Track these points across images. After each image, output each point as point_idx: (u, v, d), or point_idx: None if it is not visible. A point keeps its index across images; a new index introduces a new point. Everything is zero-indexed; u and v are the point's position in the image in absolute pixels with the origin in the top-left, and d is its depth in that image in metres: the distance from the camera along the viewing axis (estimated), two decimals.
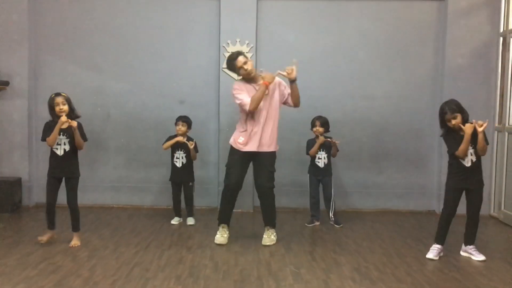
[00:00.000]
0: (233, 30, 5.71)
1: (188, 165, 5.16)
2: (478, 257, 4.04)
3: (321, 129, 5.06)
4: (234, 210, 4.56)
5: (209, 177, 5.93)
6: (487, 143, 3.97)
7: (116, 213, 5.55)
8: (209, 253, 4.11)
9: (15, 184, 5.61)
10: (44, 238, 4.28)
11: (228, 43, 5.72)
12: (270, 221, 4.49)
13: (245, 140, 4.31)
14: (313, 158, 5.14)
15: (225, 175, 4.42)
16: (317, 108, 5.63)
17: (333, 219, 5.12)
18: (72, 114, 4.21)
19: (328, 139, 5.06)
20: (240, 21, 5.73)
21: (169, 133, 5.69)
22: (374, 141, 5.94)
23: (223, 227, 4.47)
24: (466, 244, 4.15)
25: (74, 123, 4.13)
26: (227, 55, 5.38)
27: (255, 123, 4.31)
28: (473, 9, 5.76)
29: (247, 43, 5.73)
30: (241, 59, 4.31)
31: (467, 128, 3.89)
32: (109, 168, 5.94)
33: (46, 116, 5.87)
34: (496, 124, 5.71)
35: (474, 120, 3.94)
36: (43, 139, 4.24)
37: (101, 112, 5.90)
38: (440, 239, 4.11)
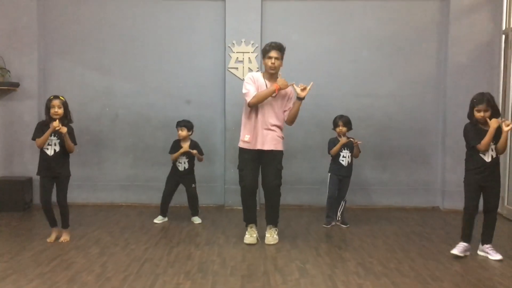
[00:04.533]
0: (238, 30, 5.79)
1: (190, 169, 5.23)
2: (495, 256, 3.98)
3: (344, 129, 5.01)
4: (239, 208, 4.64)
5: (216, 175, 6.03)
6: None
7: (125, 211, 5.65)
8: (217, 250, 4.20)
9: (26, 183, 5.72)
10: (52, 238, 4.41)
11: (233, 43, 5.81)
12: (273, 220, 4.49)
13: (250, 137, 4.35)
14: (336, 156, 5.06)
15: (239, 178, 4.43)
16: (321, 106, 5.71)
17: (340, 219, 5.11)
18: (65, 118, 4.32)
19: (351, 139, 5.01)
20: (245, 22, 5.81)
21: (175, 132, 5.80)
22: (378, 139, 6.01)
23: (251, 227, 4.47)
24: (483, 243, 4.10)
25: (64, 130, 4.22)
26: (233, 55, 5.48)
27: (258, 120, 4.34)
28: (475, 7, 5.81)
29: (252, 43, 5.81)
30: (274, 53, 4.32)
31: (493, 122, 3.85)
32: (117, 167, 6.04)
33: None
34: None
35: (503, 118, 3.90)
36: (33, 139, 4.35)
37: (109, 112, 6.01)
38: (466, 238, 4.03)
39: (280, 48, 4.37)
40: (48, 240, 4.38)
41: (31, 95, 5.83)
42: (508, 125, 3.86)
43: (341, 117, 5.07)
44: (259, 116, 4.35)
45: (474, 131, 3.98)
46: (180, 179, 5.22)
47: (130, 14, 5.98)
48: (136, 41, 5.99)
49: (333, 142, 5.09)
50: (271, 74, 4.39)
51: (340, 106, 5.91)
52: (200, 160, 5.22)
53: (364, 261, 3.95)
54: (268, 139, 4.35)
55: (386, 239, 4.58)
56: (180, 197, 5.68)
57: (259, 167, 4.44)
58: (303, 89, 4.30)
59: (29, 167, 5.83)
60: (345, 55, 5.98)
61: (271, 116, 4.36)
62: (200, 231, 4.84)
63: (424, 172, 6.03)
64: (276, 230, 4.50)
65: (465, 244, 4.04)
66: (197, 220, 5.20)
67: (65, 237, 4.42)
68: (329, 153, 5.10)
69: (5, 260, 3.85)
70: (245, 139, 4.38)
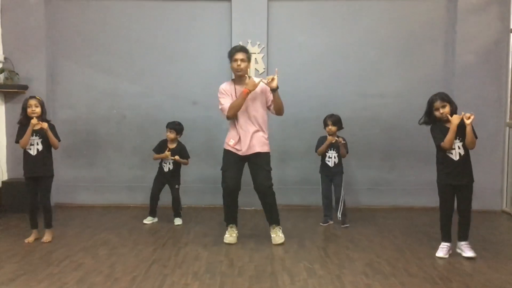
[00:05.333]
0: (244, 31, 5.80)
1: (175, 170, 5.24)
2: (468, 253, 3.99)
3: (333, 128, 5.00)
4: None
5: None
6: (476, 137, 3.92)
7: (133, 212, 5.67)
8: (224, 250, 4.22)
9: None
10: (31, 238, 4.44)
11: (239, 44, 5.80)
12: (274, 219, 4.50)
13: (235, 142, 4.36)
14: (323, 157, 5.12)
15: (221, 179, 4.44)
16: (328, 106, 5.70)
17: (340, 218, 5.08)
18: (42, 116, 4.35)
19: (336, 138, 5.00)
20: (251, 22, 5.82)
21: (182, 133, 5.82)
22: (384, 139, 5.99)
23: (231, 227, 4.52)
24: (459, 240, 4.11)
25: (45, 125, 4.27)
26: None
27: (241, 125, 4.36)
28: (483, 6, 5.77)
29: (258, 44, 5.82)
30: (239, 55, 4.32)
31: (454, 119, 3.89)
32: (125, 169, 6.07)
33: (65, 119, 6.09)
34: (507, 120, 5.74)
35: (462, 113, 3.90)
36: (17, 141, 4.38)
37: (117, 114, 6.04)
38: (446, 237, 4.10)
39: (245, 50, 4.39)
40: (26, 240, 4.41)
41: None
42: (469, 118, 3.86)
43: (330, 116, 5.05)
44: (241, 121, 4.36)
45: (438, 130, 4.02)
46: (165, 179, 5.24)
47: (136, 16, 6.01)
48: (143, 43, 6.02)
49: (321, 141, 5.09)
50: (239, 77, 4.39)
51: (346, 106, 5.92)
52: (184, 164, 5.24)
53: (372, 261, 3.94)
54: (254, 143, 4.35)
55: (394, 239, 4.57)
56: (187, 199, 5.72)
57: (242, 170, 4.45)
58: (271, 80, 4.26)
59: None
60: (351, 55, 5.97)
61: (253, 120, 4.36)
62: (208, 232, 4.85)
63: (432, 171, 5.89)
64: (280, 228, 4.50)
65: (447, 244, 4.09)
66: (177, 221, 5.20)
67: (47, 237, 4.45)
68: (316, 151, 5.11)
69: (16, 261, 3.89)
70: (230, 143, 4.41)
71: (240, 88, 4.37)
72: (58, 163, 5.99)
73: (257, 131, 4.38)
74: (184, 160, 5.23)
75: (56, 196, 6.00)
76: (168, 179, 5.24)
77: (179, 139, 5.26)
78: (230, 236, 4.46)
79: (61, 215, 5.51)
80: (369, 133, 6.00)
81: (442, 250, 4.08)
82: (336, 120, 5.03)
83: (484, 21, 5.77)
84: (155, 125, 6.01)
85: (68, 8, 5.99)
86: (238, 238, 4.53)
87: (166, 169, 5.22)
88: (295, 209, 5.24)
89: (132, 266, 3.78)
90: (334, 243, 4.49)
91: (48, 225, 4.49)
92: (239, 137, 4.36)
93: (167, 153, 5.15)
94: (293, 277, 3.57)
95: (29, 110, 4.29)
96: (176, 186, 5.24)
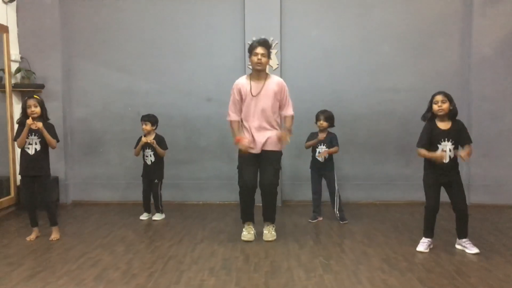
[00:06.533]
0: (258, 27, 5.78)
1: (157, 163, 5.24)
2: (472, 250, 3.97)
3: (325, 124, 4.96)
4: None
5: (237, 173, 6.03)
6: (471, 141, 3.98)
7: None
8: (240, 246, 4.23)
9: (53, 183, 5.82)
10: (32, 236, 4.48)
11: (253, 40, 5.79)
12: (270, 217, 4.51)
13: (249, 141, 4.32)
14: (313, 152, 5.07)
15: (238, 177, 4.44)
16: (342, 101, 5.68)
17: (338, 215, 5.05)
18: (43, 116, 4.38)
19: (322, 153, 4.96)
20: (264, 18, 5.81)
21: (197, 130, 5.88)
22: (400, 133, 5.94)
23: (248, 225, 4.51)
24: (459, 238, 4.09)
25: (40, 124, 4.29)
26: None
27: (253, 125, 4.33)
28: None
29: (272, 40, 5.80)
30: (260, 49, 4.27)
31: (438, 156, 3.92)
32: (140, 166, 6.03)
33: (81, 117, 6.15)
34: None
35: (458, 153, 3.93)
36: (15, 140, 4.44)
37: (132, 111, 6.08)
38: (428, 233, 4.10)
39: (267, 45, 4.32)
40: (28, 239, 4.45)
41: (56, 97, 5.94)
42: (463, 157, 3.86)
43: (323, 111, 5.01)
44: (254, 121, 4.33)
45: (426, 132, 4.01)
46: (148, 173, 5.24)
47: (150, 14, 6.04)
48: (157, 41, 6.05)
49: (311, 136, 5.06)
50: (258, 72, 4.34)
51: (361, 101, 5.89)
52: (161, 153, 5.22)
53: (388, 257, 3.92)
54: (267, 142, 4.33)
55: (410, 235, 4.53)
56: (202, 195, 5.75)
57: (258, 167, 4.42)
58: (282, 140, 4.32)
59: (55, 167, 5.89)
60: (365, 50, 5.93)
61: (266, 119, 4.33)
62: (223, 228, 4.87)
63: None
64: (273, 227, 4.51)
65: (428, 239, 4.09)
66: (157, 216, 5.23)
67: (55, 235, 4.49)
68: (304, 144, 5.08)
69: (34, 258, 3.95)
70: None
71: (256, 85, 4.32)
72: (75, 160, 6.10)
73: (270, 130, 4.36)
74: (161, 151, 5.20)
75: (73, 193, 6.08)
76: (151, 173, 5.23)
77: (156, 131, 5.26)
78: (248, 233, 4.45)
79: (78, 212, 5.58)
80: (384, 128, 5.96)
81: (423, 245, 4.07)
82: (328, 116, 4.98)
83: (501, 13, 5.69)
84: (169, 123, 6.04)
85: (83, 7, 6.05)
86: (254, 234, 4.54)
87: (148, 162, 5.23)
88: (310, 205, 5.22)
89: (149, 262, 3.81)
90: (350, 238, 4.47)
91: (53, 223, 4.53)
92: (253, 137, 4.33)
93: (143, 138, 5.14)
94: (309, 273, 3.57)
95: (28, 110, 4.32)
96: (156, 181, 5.25)
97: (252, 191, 4.42)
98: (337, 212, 5.06)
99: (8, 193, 5.63)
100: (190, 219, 5.22)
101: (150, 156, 5.22)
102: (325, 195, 5.17)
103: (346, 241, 4.38)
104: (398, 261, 3.80)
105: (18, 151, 5.12)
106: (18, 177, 5.76)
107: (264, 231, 4.48)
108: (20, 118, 4.41)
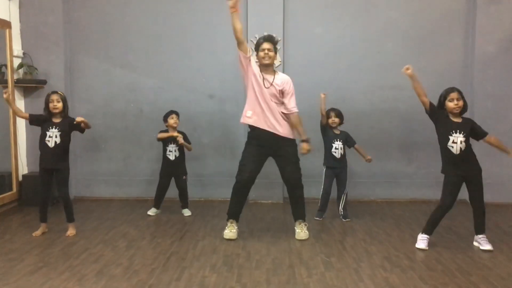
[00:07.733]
0: (261, 24, 5.76)
1: (181, 159, 5.24)
2: (485, 246, 3.98)
3: (337, 120, 5.02)
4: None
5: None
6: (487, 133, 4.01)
7: (151, 205, 5.68)
8: (242, 243, 4.23)
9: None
10: (38, 232, 4.48)
11: (256, 37, 5.76)
12: (301, 214, 4.43)
13: (252, 113, 4.26)
14: (329, 148, 5.07)
15: (237, 171, 4.37)
16: (345, 99, 5.67)
17: (342, 213, 5.06)
18: (64, 112, 4.41)
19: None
20: (267, 15, 5.79)
21: (199, 127, 5.86)
22: (403, 131, 5.93)
23: (231, 223, 4.40)
24: (476, 234, 4.10)
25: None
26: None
27: (256, 104, 4.27)
28: None
29: (275, 37, 5.77)
30: (267, 45, 4.28)
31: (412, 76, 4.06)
32: (142, 162, 6.12)
33: (83, 113, 6.11)
34: None
35: (507, 149, 4.00)
36: (31, 121, 4.49)
37: (134, 108, 6.08)
38: (430, 230, 4.10)
39: (273, 41, 4.34)
40: (34, 234, 4.45)
41: None
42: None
43: (333, 109, 5.07)
44: (264, 106, 4.26)
45: (441, 122, 4.00)
46: (172, 169, 5.23)
47: (153, 10, 6.03)
48: (159, 38, 6.04)
49: (323, 129, 5.09)
50: (265, 66, 4.31)
51: (364, 99, 5.88)
52: (189, 149, 5.22)
53: (390, 254, 3.92)
54: (273, 123, 4.25)
55: (412, 233, 4.52)
56: (204, 192, 5.75)
57: (262, 165, 4.37)
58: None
59: None
60: (369, 47, 5.91)
61: (272, 112, 4.26)
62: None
63: None
64: (305, 224, 4.44)
65: (428, 236, 4.08)
66: (187, 212, 5.24)
67: (71, 231, 4.49)
68: (321, 122, 5.06)
69: (36, 254, 3.96)
70: (248, 115, 4.30)
71: (265, 75, 4.26)
72: (77, 157, 6.10)
73: (274, 111, 4.26)
74: (189, 145, 5.22)
75: (75, 189, 6.08)
76: (175, 169, 5.22)
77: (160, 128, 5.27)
78: (230, 231, 4.36)
79: (80, 208, 5.58)
80: (387, 125, 5.95)
81: (424, 242, 4.07)
82: (339, 113, 5.07)
83: (504, 10, 5.67)
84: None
85: (86, 3, 6.04)
86: (256, 231, 4.54)
87: (172, 158, 5.20)
88: (312, 202, 5.21)
89: (151, 259, 3.82)
90: (352, 236, 4.47)
91: (70, 219, 4.53)
92: (256, 112, 4.26)
93: (176, 133, 5.11)
94: (310, 270, 3.57)
95: (51, 105, 4.34)
96: (184, 177, 5.25)
97: (247, 188, 4.38)
98: (341, 210, 5.06)
99: (11, 189, 5.64)
100: (192, 216, 5.23)
101: (175, 151, 5.19)
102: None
103: (348, 239, 4.38)
104: (399, 259, 3.80)
105: (20, 146, 5.13)
106: (20, 173, 5.81)
107: (297, 230, 4.39)
108: (44, 114, 4.40)
